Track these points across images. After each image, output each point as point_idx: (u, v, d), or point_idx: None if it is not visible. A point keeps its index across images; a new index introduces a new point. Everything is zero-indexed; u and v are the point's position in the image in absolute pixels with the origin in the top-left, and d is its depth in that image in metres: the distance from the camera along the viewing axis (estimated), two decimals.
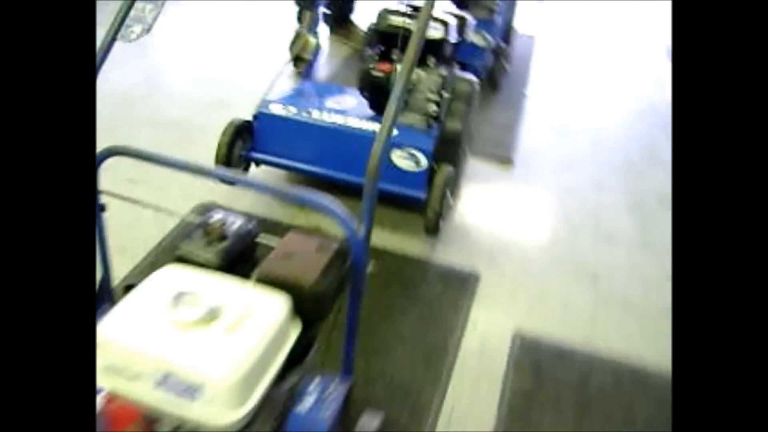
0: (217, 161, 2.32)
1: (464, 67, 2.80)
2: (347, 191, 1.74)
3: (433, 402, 1.77)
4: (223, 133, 2.33)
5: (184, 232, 1.27)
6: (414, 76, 2.34)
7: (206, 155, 2.32)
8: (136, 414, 1.11)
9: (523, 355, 1.95)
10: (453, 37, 2.45)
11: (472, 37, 2.95)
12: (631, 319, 2.14)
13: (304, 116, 2.36)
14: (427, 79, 2.36)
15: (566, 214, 2.61)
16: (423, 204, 2.25)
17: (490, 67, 3.25)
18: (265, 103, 2.41)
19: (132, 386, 1.00)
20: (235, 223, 1.29)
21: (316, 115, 2.37)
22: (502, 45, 3.41)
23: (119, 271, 1.78)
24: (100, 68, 1.41)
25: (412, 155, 2.23)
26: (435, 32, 2.35)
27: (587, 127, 3.30)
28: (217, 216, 1.28)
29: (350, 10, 3.77)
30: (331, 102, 2.51)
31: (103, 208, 1.53)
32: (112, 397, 1.15)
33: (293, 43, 2.49)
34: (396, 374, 1.83)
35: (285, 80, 2.58)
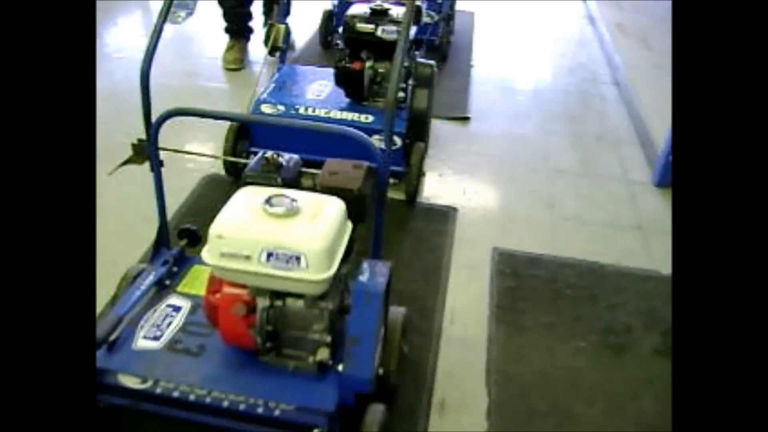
0: (225, 161, 2.62)
1: (420, 43, 3.20)
2: None
3: (437, 305, 2.17)
4: (226, 139, 2.62)
5: (252, 165, 1.62)
6: (382, 69, 2.71)
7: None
8: (239, 296, 1.47)
9: (502, 264, 2.37)
10: (411, 34, 2.82)
11: (424, 18, 3.36)
12: (584, 230, 2.60)
13: (291, 113, 2.67)
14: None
15: (520, 155, 3.06)
16: (401, 175, 2.61)
17: (441, 36, 3.67)
18: (257, 104, 2.70)
19: (247, 265, 1.36)
20: (284, 157, 1.66)
21: (302, 111, 2.67)
22: (449, 15, 3.84)
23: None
24: (155, 49, 1.74)
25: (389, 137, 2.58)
26: (396, 35, 2.72)
27: (528, 86, 3.78)
28: (270, 152, 1.64)
29: None
30: (311, 92, 2.83)
31: (161, 164, 1.86)
32: (216, 289, 1.50)
33: (267, 35, 2.81)
34: (403, 288, 2.21)
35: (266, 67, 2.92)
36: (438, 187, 2.79)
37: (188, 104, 3.37)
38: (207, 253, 1.40)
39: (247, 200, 1.45)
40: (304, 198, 1.46)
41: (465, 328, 2.11)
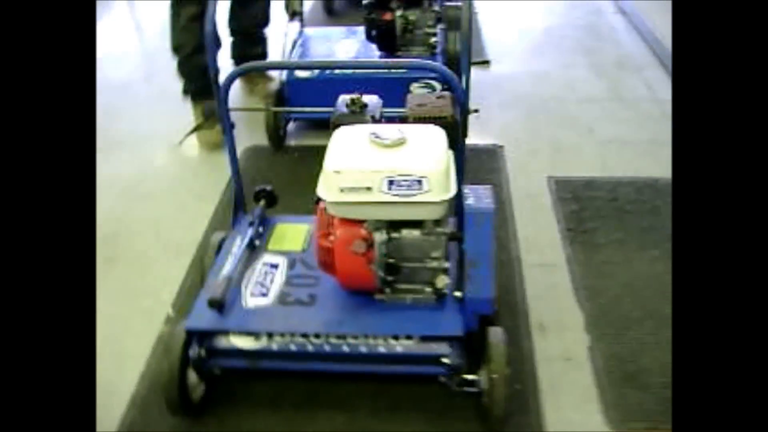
0: (267, 127, 2.60)
1: None
2: None
3: (509, 235, 2.20)
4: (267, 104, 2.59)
5: (338, 108, 1.62)
6: (413, 17, 2.69)
7: None
8: (356, 233, 1.47)
9: (561, 190, 2.40)
10: None
11: None
12: (629, 150, 2.64)
13: (327, 74, 2.61)
14: (423, 16, 2.72)
15: (548, 89, 3.08)
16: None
17: None
18: (290, 72, 2.65)
19: (368, 196, 1.37)
20: (366, 98, 1.66)
21: (337, 71, 2.60)
22: None
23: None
24: (215, 11, 1.73)
25: (427, 84, 2.56)
26: None
27: (537, 25, 3.80)
28: (353, 95, 1.64)
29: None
30: (340, 51, 2.80)
31: (233, 126, 1.85)
32: (328, 231, 1.51)
33: (286, 2, 2.80)
34: None
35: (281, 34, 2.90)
36: (478, 128, 2.79)
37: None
38: (325, 191, 1.40)
39: (350, 137, 1.45)
40: (404, 128, 1.46)
41: (541, 253, 2.14)
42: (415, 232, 1.48)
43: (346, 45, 2.84)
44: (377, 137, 1.40)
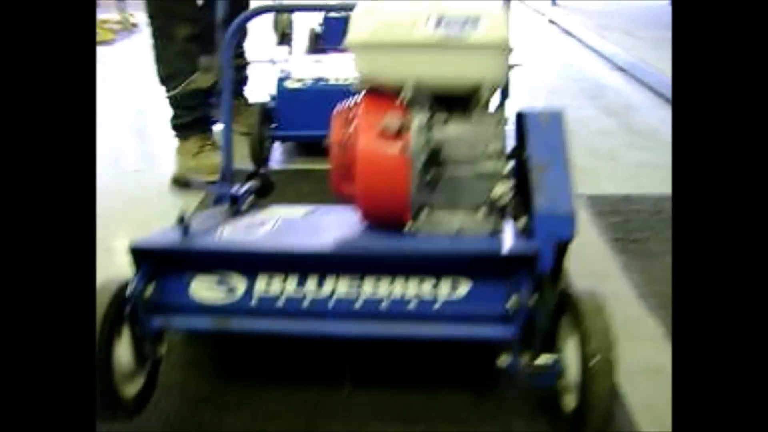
0: (252, 150, 2.26)
1: None
2: None
3: None
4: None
5: None
6: None
7: None
8: (389, 105, 1.11)
9: (597, 205, 2.08)
10: None
11: None
12: (660, 171, 2.35)
13: (321, 84, 2.34)
14: None
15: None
16: None
17: None
18: (280, 81, 2.37)
19: (411, 33, 1.06)
20: None
21: (332, 81, 2.34)
22: None
23: None
24: None
25: None
26: None
27: (534, 79, 3.64)
28: None
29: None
30: (333, 63, 2.52)
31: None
32: (344, 125, 1.15)
33: (276, 23, 2.56)
34: None
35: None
36: None
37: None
38: (352, 35, 1.08)
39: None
40: None
41: (591, 264, 1.76)
42: (466, 123, 1.12)
43: (339, 59, 2.56)
44: None
